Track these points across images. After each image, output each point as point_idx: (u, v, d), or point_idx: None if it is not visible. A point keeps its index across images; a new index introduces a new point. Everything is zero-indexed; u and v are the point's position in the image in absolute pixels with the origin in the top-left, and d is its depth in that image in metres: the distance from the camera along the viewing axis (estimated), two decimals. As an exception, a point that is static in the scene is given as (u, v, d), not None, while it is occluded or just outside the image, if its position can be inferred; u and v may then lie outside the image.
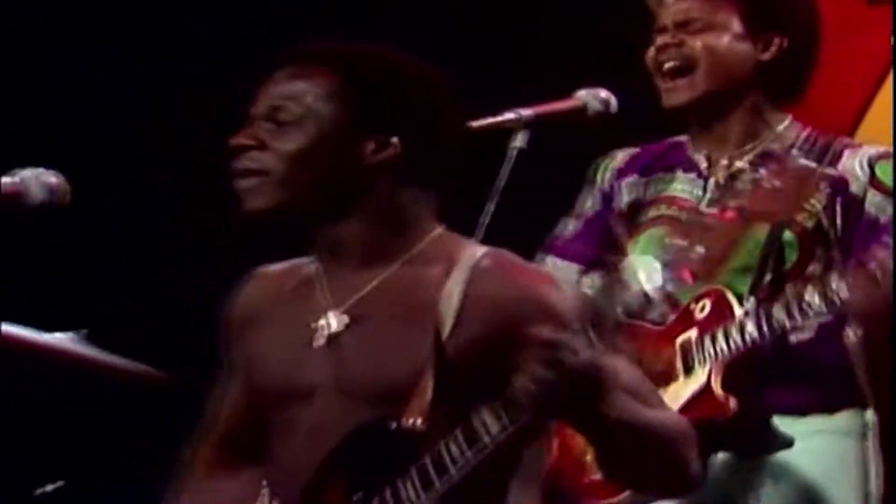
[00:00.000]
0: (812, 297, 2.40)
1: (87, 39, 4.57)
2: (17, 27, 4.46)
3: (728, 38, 2.59)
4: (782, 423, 2.52)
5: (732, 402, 2.47)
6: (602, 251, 2.51)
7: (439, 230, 1.97)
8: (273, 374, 1.99)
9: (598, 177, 2.68)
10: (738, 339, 2.47)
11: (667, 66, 2.58)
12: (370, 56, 1.99)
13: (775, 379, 2.51)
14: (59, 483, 3.50)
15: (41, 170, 2.12)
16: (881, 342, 2.49)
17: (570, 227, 2.68)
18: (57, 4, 4.47)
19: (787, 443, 2.51)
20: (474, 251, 1.94)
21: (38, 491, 3.41)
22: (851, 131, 3.27)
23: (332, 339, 1.94)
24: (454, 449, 1.78)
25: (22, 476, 3.68)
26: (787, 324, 2.42)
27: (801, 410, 2.52)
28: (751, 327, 2.46)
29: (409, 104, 1.97)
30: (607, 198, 2.65)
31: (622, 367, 1.85)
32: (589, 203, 2.67)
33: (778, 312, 2.44)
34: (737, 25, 2.59)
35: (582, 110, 2.46)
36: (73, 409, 3.91)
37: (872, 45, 3.34)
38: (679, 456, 1.85)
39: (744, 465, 2.56)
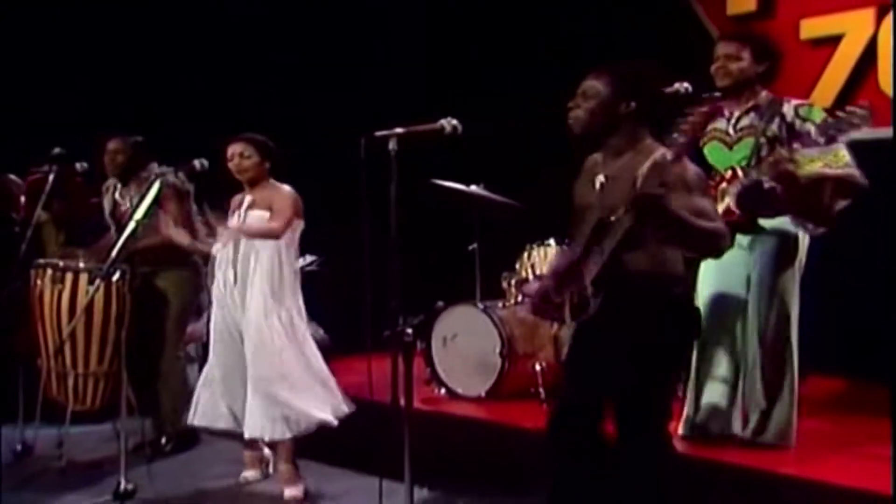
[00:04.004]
0: (765, 175, 3.47)
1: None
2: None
3: (746, 64, 3.73)
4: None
5: (737, 214, 3.59)
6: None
7: (649, 139, 2.86)
8: (581, 198, 3.00)
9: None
10: (738, 188, 3.62)
11: (720, 81, 3.75)
12: (620, 66, 2.87)
13: (761, 202, 3.58)
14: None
15: (450, 118, 3.02)
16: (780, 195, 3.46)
17: None
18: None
19: (761, 229, 3.70)
20: (660, 149, 2.76)
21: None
22: (809, 90, 5.11)
23: (601, 185, 2.89)
24: (624, 222, 2.76)
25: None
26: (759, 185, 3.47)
27: (772, 215, 3.68)
28: (745, 182, 3.58)
29: (639, 85, 2.86)
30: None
31: (697, 199, 2.72)
32: None
33: (750, 180, 3.54)
34: (749, 57, 3.74)
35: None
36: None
37: (813, 61, 5.24)
38: (718, 241, 2.77)
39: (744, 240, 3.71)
